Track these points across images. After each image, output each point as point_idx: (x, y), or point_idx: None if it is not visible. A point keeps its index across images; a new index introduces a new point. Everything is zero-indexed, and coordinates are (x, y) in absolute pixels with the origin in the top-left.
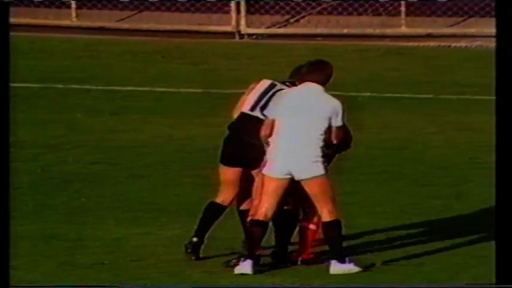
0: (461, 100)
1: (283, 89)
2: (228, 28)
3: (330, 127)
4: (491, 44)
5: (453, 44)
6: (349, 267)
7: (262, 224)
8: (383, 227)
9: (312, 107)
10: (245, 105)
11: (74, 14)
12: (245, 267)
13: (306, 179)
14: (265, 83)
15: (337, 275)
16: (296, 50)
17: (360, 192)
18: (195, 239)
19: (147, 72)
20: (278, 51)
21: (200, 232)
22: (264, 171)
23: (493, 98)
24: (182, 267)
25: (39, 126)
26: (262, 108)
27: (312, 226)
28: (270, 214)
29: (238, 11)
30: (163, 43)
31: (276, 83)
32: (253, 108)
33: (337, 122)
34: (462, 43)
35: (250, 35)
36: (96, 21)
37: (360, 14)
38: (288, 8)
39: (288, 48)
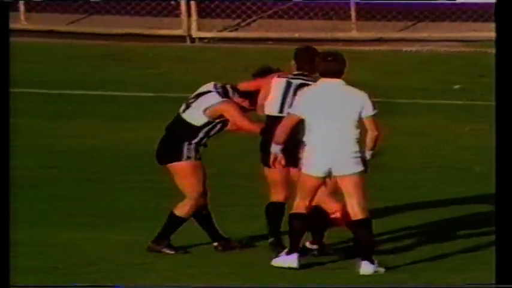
0: (413, 104)
1: (304, 84)
2: (179, 32)
3: (361, 119)
4: (442, 48)
5: (404, 48)
6: (379, 269)
7: (301, 217)
8: None
9: (341, 102)
10: (270, 107)
11: (22, 17)
12: (290, 260)
13: (344, 175)
14: (278, 81)
15: (340, 276)
16: (247, 54)
17: None
18: (271, 239)
19: (98, 75)
20: (229, 55)
21: (274, 232)
22: (303, 169)
23: (444, 102)
24: (137, 272)
25: None
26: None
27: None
28: (308, 208)
29: (189, 15)
30: (114, 47)
31: (290, 80)
32: (281, 110)
33: (369, 111)
34: (413, 47)
35: (201, 39)
36: (46, 25)
37: (311, 18)
38: (239, 11)
39: (239, 52)
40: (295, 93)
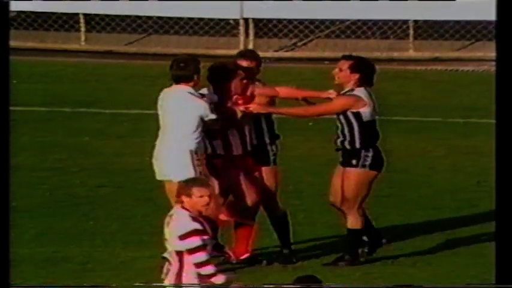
0: (468, 123)
1: None
2: (236, 51)
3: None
4: None
5: (460, 68)
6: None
7: None
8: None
9: (178, 109)
10: None
11: (83, 37)
12: None
13: (170, 181)
14: None
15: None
16: (303, 73)
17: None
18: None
19: (153, 95)
20: (285, 75)
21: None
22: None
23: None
24: None
25: (46, 150)
26: None
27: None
28: None
29: (246, 35)
30: None
31: None
32: None
33: (210, 116)
34: (469, 67)
35: None
36: (104, 45)
37: (367, 38)
38: (296, 31)
39: (296, 72)
40: None
